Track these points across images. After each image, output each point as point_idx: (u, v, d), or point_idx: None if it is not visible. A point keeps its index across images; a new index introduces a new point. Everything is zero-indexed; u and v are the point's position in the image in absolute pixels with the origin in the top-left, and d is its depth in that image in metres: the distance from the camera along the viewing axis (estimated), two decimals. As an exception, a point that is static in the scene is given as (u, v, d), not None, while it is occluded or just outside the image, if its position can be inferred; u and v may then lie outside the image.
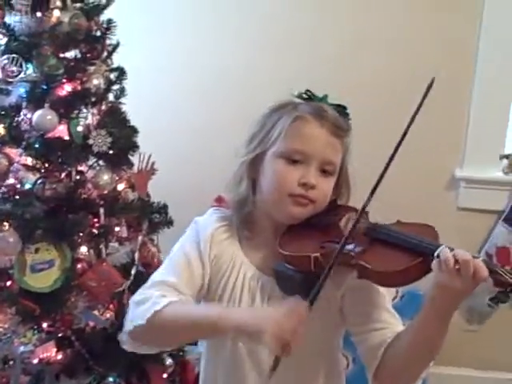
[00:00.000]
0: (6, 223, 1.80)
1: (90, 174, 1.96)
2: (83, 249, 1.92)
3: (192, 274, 1.27)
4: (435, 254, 1.06)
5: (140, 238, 2.08)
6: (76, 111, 1.89)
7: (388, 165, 1.14)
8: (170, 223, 2.16)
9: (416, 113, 1.14)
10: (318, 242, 1.17)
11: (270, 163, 1.26)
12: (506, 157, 2.57)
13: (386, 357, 1.16)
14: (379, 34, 2.50)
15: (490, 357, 2.69)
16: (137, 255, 2.05)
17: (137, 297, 1.24)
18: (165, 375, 2.04)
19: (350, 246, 1.15)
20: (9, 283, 1.87)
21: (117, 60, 2.05)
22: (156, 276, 1.28)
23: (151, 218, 2.13)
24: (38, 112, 1.79)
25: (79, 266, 1.91)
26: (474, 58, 2.48)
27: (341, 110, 1.29)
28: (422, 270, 1.09)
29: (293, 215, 1.25)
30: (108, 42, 1.99)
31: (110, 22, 1.95)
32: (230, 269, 1.29)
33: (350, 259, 1.15)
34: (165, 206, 2.15)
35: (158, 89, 2.57)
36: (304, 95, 1.30)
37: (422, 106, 1.14)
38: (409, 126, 1.14)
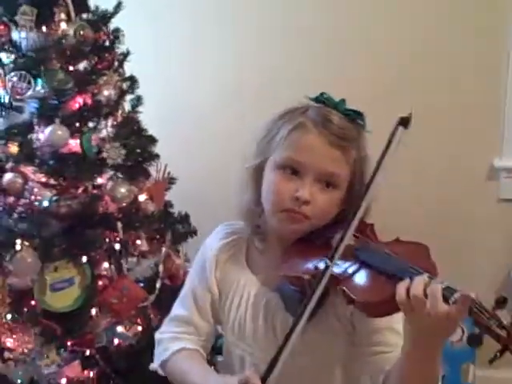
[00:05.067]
0: (24, 242, 1.77)
1: (107, 187, 1.91)
2: (104, 265, 1.89)
3: (200, 305, 1.28)
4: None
5: (163, 250, 2.04)
6: (89, 124, 1.85)
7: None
8: (193, 233, 2.12)
9: (384, 154, 1.06)
10: (313, 262, 1.08)
11: (268, 173, 1.18)
12: (548, 143, 2.42)
13: None
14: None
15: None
16: (161, 268, 2.01)
17: (157, 334, 1.32)
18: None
19: (338, 269, 1.06)
20: (33, 303, 1.84)
21: (130, 69, 2.01)
22: (172, 309, 1.34)
23: (174, 228, 2.08)
24: (49, 128, 1.76)
25: (100, 282, 1.87)
26: (510, 44, 2.34)
27: (355, 117, 1.19)
28: None
29: (288, 231, 1.17)
30: (118, 51, 1.95)
31: (117, 30, 1.91)
32: (235, 288, 1.25)
33: (337, 283, 1.06)
34: (187, 216, 2.11)
35: (181, 96, 2.51)
36: (317, 99, 1.21)
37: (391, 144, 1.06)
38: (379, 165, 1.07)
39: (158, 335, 1.30)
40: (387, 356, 1.09)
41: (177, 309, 1.32)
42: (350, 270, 1.07)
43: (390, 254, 1.05)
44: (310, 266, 1.09)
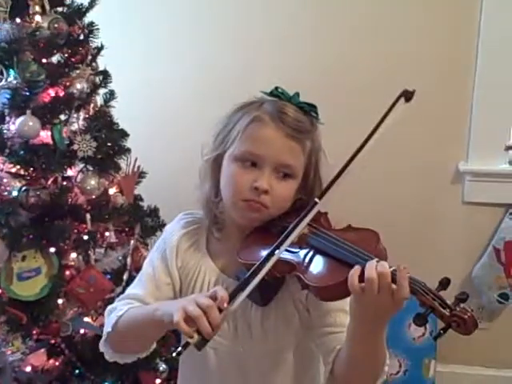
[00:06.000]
0: (-8, 232, 1.79)
1: (77, 179, 1.94)
2: (72, 255, 1.91)
3: (158, 285, 1.28)
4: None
5: (132, 242, 2.07)
6: (60, 116, 1.87)
7: (342, 171, 1.09)
8: (162, 226, 2.14)
9: (380, 122, 1.10)
10: (270, 249, 1.12)
11: (227, 166, 1.22)
12: (512, 148, 2.49)
13: (336, 363, 1.13)
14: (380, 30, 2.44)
15: (500, 355, 2.61)
16: (129, 260, 2.04)
17: (108, 308, 1.30)
18: (158, 381, 2.02)
19: (292, 256, 1.12)
20: (-1, 291, 1.87)
21: (103, 62, 2.04)
22: (127, 289, 1.33)
23: (143, 222, 2.11)
24: (20, 119, 1.78)
25: (67, 272, 1.90)
26: (475, 49, 2.40)
27: (309, 109, 1.23)
28: None
29: (247, 220, 1.22)
30: (92, 45, 1.97)
31: (91, 24, 1.93)
32: (196, 275, 1.28)
33: (291, 269, 1.11)
34: (156, 210, 2.14)
35: (150, 91, 2.54)
36: (272, 93, 1.25)
37: (387, 116, 1.10)
38: (371, 135, 1.10)
39: (109, 307, 1.29)
40: (338, 336, 1.15)
41: (132, 288, 1.31)
42: (304, 257, 1.12)
43: (342, 240, 1.11)
44: (266, 253, 1.12)
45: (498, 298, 2.53)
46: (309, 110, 1.23)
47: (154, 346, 1.29)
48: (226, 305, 1.02)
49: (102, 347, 1.29)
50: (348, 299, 1.08)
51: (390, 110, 1.09)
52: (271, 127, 1.19)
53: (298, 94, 1.24)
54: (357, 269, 1.01)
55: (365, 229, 1.15)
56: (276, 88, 1.25)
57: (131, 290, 1.31)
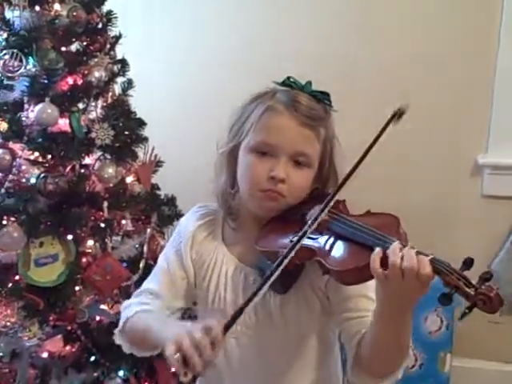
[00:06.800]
0: (10, 218, 1.81)
1: (95, 167, 1.95)
2: (89, 242, 1.92)
3: (173, 279, 1.29)
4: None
5: (148, 230, 2.08)
6: (78, 104, 1.88)
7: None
8: (179, 216, 2.14)
9: (377, 139, 1.10)
10: (289, 237, 1.12)
11: (242, 156, 1.22)
12: (532, 141, 2.45)
13: (360, 348, 1.13)
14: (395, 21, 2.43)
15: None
16: (145, 248, 2.05)
17: (124, 303, 1.33)
18: (173, 369, 2.02)
19: (313, 242, 1.11)
20: (17, 277, 1.88)
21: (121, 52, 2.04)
22: (143, 283, 1.34)
23: (160, 210, 2.12)
24: (38, 106, 1.79)
25: (84, 259, 1.91)
26: (497, 42, 2.37)
27: (322, 97, 1.23)
28: None
29: (266, 209, 1.22)
30: (110, 34, 1.98)
31: (109, 13, 1.94)
32: (213, 265, 1.28)
33: (312, 255, 1.11)
34: (173, 198, 2.14)
35: (167, 80, 2.54)
36: (284, 82, 1.25)
37: (382, 133, 1.11)
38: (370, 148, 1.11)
39: (125, 303, 1.32)
40: (360, 320, 1.14)
41: (148, 283, 1.32)
42: (325, 242, 1.12)
43: (363, 225, 1.10)
44: (286, 241, 1.13)
45: (519, 292, 2.50)
46: (322, 97, 1.23)
47: None
48: (220, 339, 0.99)
49: (117, 340, 1.31)
50: (368, 284, 1.08)
51: (385, 128, 1.11)
52: (285, 116, 1.19)
53: (310, 83, 1.24)
54: (378, 251, 1.00)
55: (385, 213, 1.14)
56: (288, 78, 1.25)
57: (147, 284, 1.32)
